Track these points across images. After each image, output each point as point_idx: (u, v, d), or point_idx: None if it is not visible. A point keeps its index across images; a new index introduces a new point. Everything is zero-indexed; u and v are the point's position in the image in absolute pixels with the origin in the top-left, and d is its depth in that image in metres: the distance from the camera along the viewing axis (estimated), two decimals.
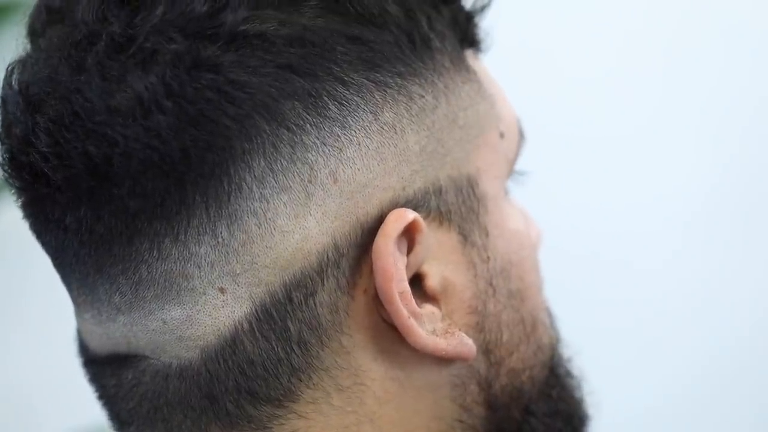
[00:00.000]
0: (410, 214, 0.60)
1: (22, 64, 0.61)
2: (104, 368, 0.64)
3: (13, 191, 0.62)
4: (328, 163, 0.59)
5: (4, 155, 0.61)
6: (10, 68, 0.61)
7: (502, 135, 0.67)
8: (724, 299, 1.42)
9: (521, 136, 0.70)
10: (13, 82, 0.60)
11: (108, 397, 0.65)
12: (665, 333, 1.54)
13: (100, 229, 0.59)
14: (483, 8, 0.67)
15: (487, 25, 0.68)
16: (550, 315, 0.71)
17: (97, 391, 0.66)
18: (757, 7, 1.53)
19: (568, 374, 0.71)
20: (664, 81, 1.44)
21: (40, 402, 1.50)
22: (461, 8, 0.66)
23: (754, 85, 1.53)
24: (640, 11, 1.54)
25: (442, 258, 0.62)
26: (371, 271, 0.60)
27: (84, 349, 0.66)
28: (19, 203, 0.62)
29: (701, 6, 1.54)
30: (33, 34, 0.63)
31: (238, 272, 0.59)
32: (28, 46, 0.63)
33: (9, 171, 0.61)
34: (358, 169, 0.60)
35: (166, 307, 0.59)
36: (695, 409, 1.56)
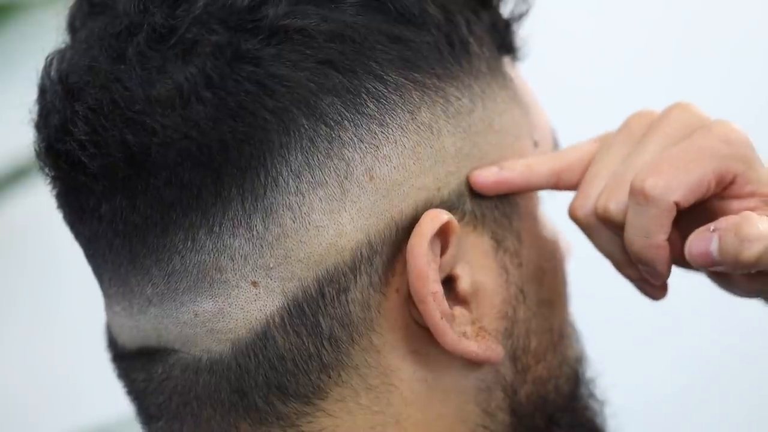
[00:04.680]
0: (445, 215, 0.60)
1: (62, 54, 0.61)
2: (134, 362, 0.64)
3: (48, 181, 0.62)
4: (365, 160, 0.59)
5: (41, 144, 0.61)
6: (48, 59, 0.62)
7: (536, 144, 0.67)
8: (724, 298, 1.42)
9: (555, 146, 0.70)
10: (52, 72, 0.61)
11: (137, 392, 0.65)
12: (665, 332, 1.55)
13: (135, 218, 0.59)
14: (521, 16, 0.67)
15: (525, 33, 0.68)
16: (575, 330, 0.70)
17: (126, 386, 0.66)
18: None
19: (592, 396, 0.70)
20: (671, 90, 1.45)
21: (36, 403, 1.50)
22: (500, 14, 0.66)
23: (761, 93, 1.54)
24: (650, 20, 1.56)
25: (474, 261, 0.62)
26: (404, 270, 0.60)
27: (113, 344, 0.66)
28: (54, 193, 0.62)
29: (709, 15, 1.55)
30: (73, 26, 0.63)
31: (271, 266, 0.59)
32: (68, 39, 0.63)
33: (45, 160, 0.61)
34: (394, 167, 0.60)
35: (198, 299, 0.59)
36: (694, 406, 1.57)
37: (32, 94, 0.62)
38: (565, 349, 0.68)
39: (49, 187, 0.63)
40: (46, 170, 0.61)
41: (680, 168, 0.59)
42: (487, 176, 0.62)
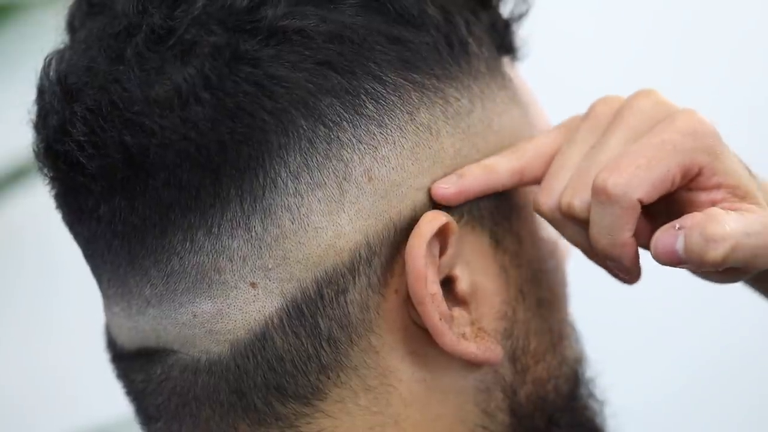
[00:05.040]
0: (443, 216, 0.60)
1: (60, 55, 0.61)
2: (132, 363, 0.64)
3: (47, 182, 0.62)
4: (363, 161, 0.59)
5: (39, 144, 0.61)
6: (47, 59, 0.62)
7: None
8: (724, 299, 1.42)
9: None
10: (51, 73, 0.61)
11: (136, 393, 0.65)
12: (665, 332, 1.54)
13: (133, 219, 0.59)
14: (521, 16, 0.67)
15: (524, 33, 0.68)
16: (574, 330, 0.70)
17: (125, 386, 0.66)
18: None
19: (591, 396, 0.70)
20: (671, 90, 1.46)
21: (35, 403, 1.50)
22: (500, 15, 0.66)
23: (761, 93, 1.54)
24: (650, 20, 1.56)
25: (473, 262, 0.62)
26: (403, 272, 0.60)
27: (112, 345, 0.66)
28: (53, 193, 0.62)
29: (708, 16, 1.55)
30: (72, 26, 0.63)
31: (270, 267, 0.59)
32: (67, 39, 0.63)
33: (44, 160, 0.61)
34: (393, 168, 0.60)
35: (197, 300, 0.59)
36: (694, 406, 1.57)
37: (32, 94, 0.63)
38: (565, 350, 0.68)
39: (48, 188, 0.63)
40: (45, 171, 0.61)
41: (642, 165, 0.58)
42: (447, 187, 0.61)
